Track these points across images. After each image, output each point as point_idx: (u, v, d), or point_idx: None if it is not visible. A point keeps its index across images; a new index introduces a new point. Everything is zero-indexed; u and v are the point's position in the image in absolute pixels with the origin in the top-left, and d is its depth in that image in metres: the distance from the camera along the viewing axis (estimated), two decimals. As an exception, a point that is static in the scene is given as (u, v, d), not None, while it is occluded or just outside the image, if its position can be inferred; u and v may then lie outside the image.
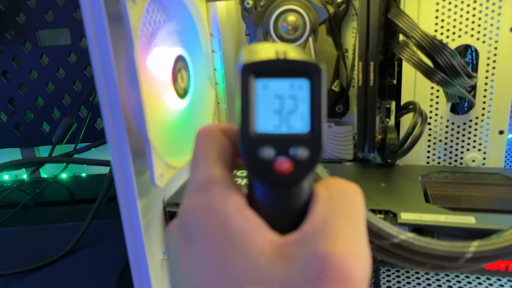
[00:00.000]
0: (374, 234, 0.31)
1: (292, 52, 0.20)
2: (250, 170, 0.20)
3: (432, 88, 0.49)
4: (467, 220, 0.37)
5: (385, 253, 0.32)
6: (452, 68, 0.38)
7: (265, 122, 0.20)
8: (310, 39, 0.45)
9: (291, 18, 0.45)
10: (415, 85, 0.49)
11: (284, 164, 0.19)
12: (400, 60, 0.47)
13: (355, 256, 0.18)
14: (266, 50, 0.20)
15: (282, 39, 0.45)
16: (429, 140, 0.51)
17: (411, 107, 0.45)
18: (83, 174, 0.93)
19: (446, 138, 0.50)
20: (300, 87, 0.19)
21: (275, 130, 0.20)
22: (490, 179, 0.45)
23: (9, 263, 0.58)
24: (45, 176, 0.91)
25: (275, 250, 0.19)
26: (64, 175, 0.91)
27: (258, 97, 0.20)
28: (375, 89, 0.44)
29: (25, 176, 0.89)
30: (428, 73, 0.39)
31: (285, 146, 0.19)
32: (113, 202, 0.77)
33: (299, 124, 0.20)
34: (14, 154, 0.89)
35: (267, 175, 0.19)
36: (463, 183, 0.45)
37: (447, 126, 0.50)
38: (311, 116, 0.20)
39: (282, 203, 0.20)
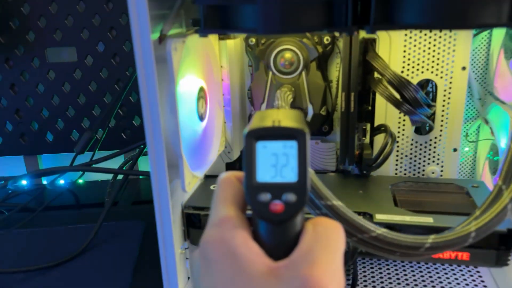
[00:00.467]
0: (357, 229, 0.41)
1: (285, 120, 0.26)
2: (252, 210, 0.26)
3: (400, 113, 0.60)
4: (427, 220, 0.48)
5: (365, 244, 0.42)
6: (416, 101, 0.49)
7: (264, 173, 0.25)
8: (303, 73, 0.55)
9: (288, 55, 0.55)
10: (386, 111, 0.59)
11: (277, 206, 0.25)
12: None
13: (330, 277, 0.24)
14: (266, 120, 0.26)
15: (280, 72, 0.55)
16: (397, 155, 0.62)
17: (383, 128, 0.56)
18: (80, 181, 1.00)
19: (411, 153, 0.61)
20: (291, 147, 0.25)
21: (271, 179, 0.25)
22: (445, 188, 0.56)
23: (29, 261, 0.65)
24: (44, 182, 0.98)
25: (270, 272, 0.24)
26: (62, 181, 0.97)
27: (258, 155, 0.26)
28: (355, 114, 0.54)
29: (24, 182, 0.95)
30: (397, 104, 0.49)
31: (278, 192, 0.25)
32: (115, 206, 0.85)
33: (290, 174, 0.25)
34: (17, 161, 0.96)
35: (265, 214, 0.25)
36: (424, 191, 0.56)
37: (411, 144, 0.61)
38: (298, 168, 0.25)
39: (277, 236, 0.26)
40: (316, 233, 0.26)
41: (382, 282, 0.55)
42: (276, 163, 0.25)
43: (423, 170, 0.62)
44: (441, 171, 0.61)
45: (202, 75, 0.49)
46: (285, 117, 0.26)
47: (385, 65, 0.50)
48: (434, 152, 0.61)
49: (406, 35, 0.57)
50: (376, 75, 0.54)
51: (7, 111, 0.90)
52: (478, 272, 0.57)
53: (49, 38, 0.87)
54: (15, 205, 0.84)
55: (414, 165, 0.62)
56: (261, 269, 0.24)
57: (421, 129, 0.60)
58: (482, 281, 0.55)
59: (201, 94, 0.49)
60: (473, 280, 0.55)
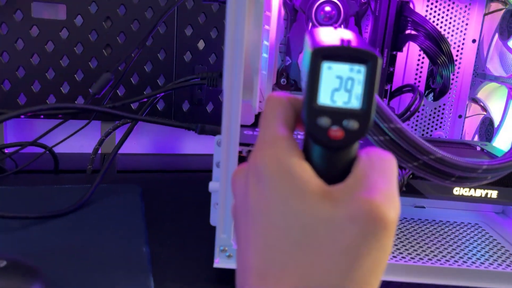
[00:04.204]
0: (423, 151, 0.43)
1: (355, 41, 0.24)
2: (308, 134, 0.25)
3: (415, 79, 0.65)
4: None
5: (426, 168, 0.44)
6: (451, 54, 0.54)
7: (326, 97, 0.24)
8: (342, 27, 0.58)
9: (328, 8, 0.58)
10: (404, 74, 0.64)
11: (337, 132, 0.24)
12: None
13: (389, 203, 0.23)
14: (333, 37, 0.24)
15: (320, 24, 0.58)
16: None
17: (409, 88, 0.60)
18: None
19: (421, 118, 0.66)
20: (358, 71, 0.24)
21: (333, 104, 0.24)
22: (460, 146, 0.61)
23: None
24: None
25: (325, 194, 0.24)
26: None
27: (322, 76, 0.24)
28: (386, 70, 0.58)
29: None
30: (435, 54, 0.54)
31: (339, 118, 0.24)
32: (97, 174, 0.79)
33: (353, 101, 0.24)
34: (-21, 124, 0.86)
35: (323, 139, 0.24)
36: (442, 147, 0.60)
37: (422, 109, 0.66)
38: (363, 96, 0.24)
39: (331, 162, 0.25)
40: (370, 160, 0.25)
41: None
42: (339, 87, 0.24)
43: (430, 135, 0.67)
44: (446, 136, 0.67)
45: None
46: (354, 38, 0.24)
47: (424, 18, 0.55)
48: (442, 118, 0.66)
49: (427, 6, 0.63)
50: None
51: (-24, 66, 0.81)
52: (480, 226, 0.63)
53: (37, -9, 0.81)
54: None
55: (423, 130, 0.67)
56: (316, 190, 0.24)
57: (435, 93, 0.65)
58: (487, 233, 0.61)
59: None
60: (483, 235, 0.60)
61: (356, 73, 0.24)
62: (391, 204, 0.23)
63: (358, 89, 0.24)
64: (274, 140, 0.26)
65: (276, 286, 0.23)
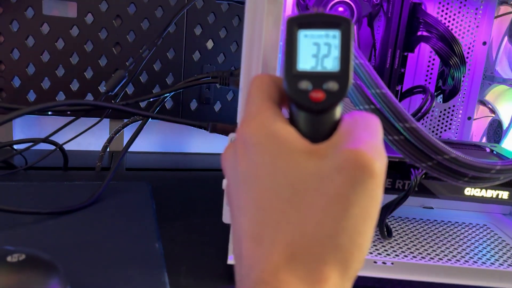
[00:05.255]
0: (438, 151, 0.44)
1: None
2: (292, 100, 0.26)
3: (425, 80, 0.65)
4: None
5: (440, 167, 0.45)
6: (462, 56, 0.55)
7: (305, 63, 0.25)
8: (355, 27, 0.58)
9: (341, 9, 0.58)
10: (414, 75, 0.65)
11: (318, 94, 0.25)
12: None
13: (374, 153, 0.24)
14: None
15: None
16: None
17: (420, 89, 0.61)
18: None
19: (430, 120, 0.67)
20: (333, 36, 0.25)
21: (312, 69, 0.25)
22: (469, 147, 0.62)
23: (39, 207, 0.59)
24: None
25: (311, 152, 0.25)
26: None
27: (300, 44, 0.25)
28: (398, 71, 0.58)
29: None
30: (447, 55, 0.55)
31: (319, 81, 0.25)
32: (106, 171, 0.79)
33: (332, 65, 0.25)
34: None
35: (305, 103, 0.25)
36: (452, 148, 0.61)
37: (432, 111, 0.66)
38: (341, 59, 0.25)
39: (315, 126, 0.26)
40: (354, 119, 0.26)
41: (401, 237, 0.59)
42: (317, 53, 0.25)
43: (439, 137, 0.68)
44: (455, 138, 0.67)
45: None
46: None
47: (437, 20, 0.55)
48: (451, 119, 0.67)
49: (439, 7, 0.63)
50: (422, 34, 0.59)
51: (-13, 63, 0.82)
52: (489, 227, 0.63)
53: (48, -12, 0.81)
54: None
55: (432, 131, 0.67)
56: (303, 149, 0.25)
57: (444, 95, 0.66)
58: (496, 233, 0.61)
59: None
60: (492, 236, 0.61)
61: (332, 38, 0.25)
62: (376, 154, 0.24)
63: (335, 52, 0.25)
64: (259, 112, 0.27)
65: (271, 246, 0.24)
